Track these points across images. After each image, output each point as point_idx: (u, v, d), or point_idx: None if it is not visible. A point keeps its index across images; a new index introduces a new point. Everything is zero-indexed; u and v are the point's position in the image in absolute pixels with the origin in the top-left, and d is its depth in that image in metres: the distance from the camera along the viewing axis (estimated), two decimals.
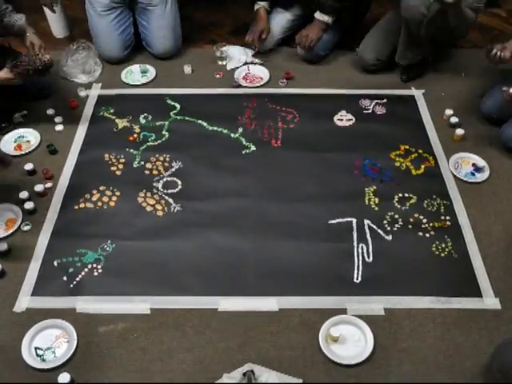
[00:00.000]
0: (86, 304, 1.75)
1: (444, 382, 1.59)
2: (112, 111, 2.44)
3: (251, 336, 1.68)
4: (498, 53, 2.04)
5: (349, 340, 1.67)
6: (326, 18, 2.59)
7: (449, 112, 2.38)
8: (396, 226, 1.98)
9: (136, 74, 2.65)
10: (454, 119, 2.36)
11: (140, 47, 2.78)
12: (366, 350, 1.63)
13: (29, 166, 2.14)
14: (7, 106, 2.34)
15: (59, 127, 2.36)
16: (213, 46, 2.72)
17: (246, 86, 2.58)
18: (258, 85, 2.58)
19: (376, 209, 2.04)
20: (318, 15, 2.60)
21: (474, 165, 2.18)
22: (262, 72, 2.65)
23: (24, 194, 2.03)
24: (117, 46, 2.68)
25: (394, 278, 1.83)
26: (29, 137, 2.31)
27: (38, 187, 2.06)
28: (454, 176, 2.15)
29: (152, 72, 2.66)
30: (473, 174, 2.16)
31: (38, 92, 2.44)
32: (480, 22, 3.05)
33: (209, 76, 2.65)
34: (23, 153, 2.24)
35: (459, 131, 2.28)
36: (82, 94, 2.53)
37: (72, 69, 2.58)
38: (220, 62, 2.70)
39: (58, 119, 2.38)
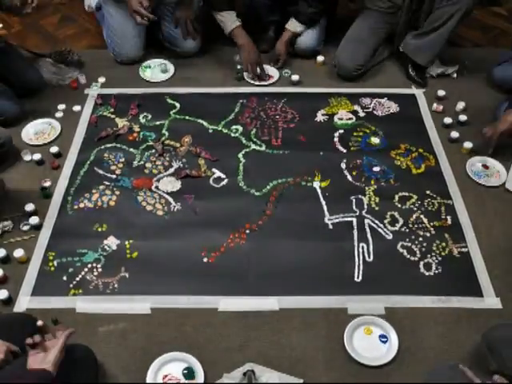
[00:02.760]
0: (86, 304, 1.75)
1: (444, 382, 1.59)
2: (112, 110, 2.44)
3: (252, 336, 1.68)
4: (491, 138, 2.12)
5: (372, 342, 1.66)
6: (298, 29, 2.55)
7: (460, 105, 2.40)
8: (396, 225, 1.98)
9: (156, 71, 2.63)
10: (447, 120, 2.36)
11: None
12: (390, 353, 1.63)
13: (37, 156, 2.17)
14: None
15: (59, 113, 2.39)
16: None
17: (253, 84, 2.58)
18: (265, 83, 2.57)
19: (376, 208, 2.03)
20: (290, 25, 2.54)
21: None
22: (272, 71, 2.63)
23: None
24: (138, 47, 2.63)
25: (394, 277, 1.83)
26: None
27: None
28: (467, 176, 2.14)
29: (171, 69, 2.64)
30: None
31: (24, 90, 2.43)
32: (481, 21, 3.05)
33: (212, 76, 2.64)
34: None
35: (467, 144, 2.23)
36: (86, 92, 2.53)
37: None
38: (239, 66, 2.63)
39: (58, 114, 2.40)
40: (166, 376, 1.58)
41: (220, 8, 2.47)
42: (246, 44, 2.51)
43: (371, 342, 1.66)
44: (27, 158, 2.19)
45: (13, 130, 2.27)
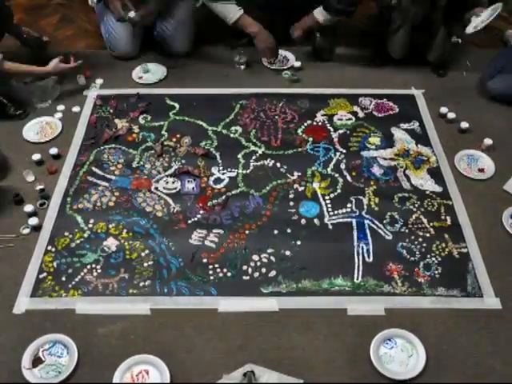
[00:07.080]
0: (86, 305, 1.74)
1: (444, 383, 1.59)
2: (111, 111, 2.44)
3: (251, 336, 1.68)
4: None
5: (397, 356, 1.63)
6: (321, 18, 2.43)
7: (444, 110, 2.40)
8: (396, 225, 1.98)
9: (146, 74, 2.63)
10: (451, 115, 2.39)
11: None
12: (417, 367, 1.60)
13: (36, 157, 2.17)
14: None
15: (58, 114, 2.40)
16: (232, 50, 2.67)
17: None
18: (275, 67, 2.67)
19: (376, 209, 2.03)
20: (316, 11, 2.42)
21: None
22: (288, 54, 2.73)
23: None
24: (134, 42, 2.65)
25: (394, 278, 1.82)
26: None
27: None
28: (459, 173, 2.16)
29: (156, 70, 2.64)
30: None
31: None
32: None
33: (211, 76, 2.64)
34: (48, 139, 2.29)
35: (487, 141, 2.24)
36: (85, 93, 2.53)
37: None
38: (238, 67, 2.67)
39: (57, 115, 2.40)
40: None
41: None
42: (259, 31, 2.45)
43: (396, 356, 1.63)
44: (30, 178, 2.12)
45: (11, 129, 2.30)
